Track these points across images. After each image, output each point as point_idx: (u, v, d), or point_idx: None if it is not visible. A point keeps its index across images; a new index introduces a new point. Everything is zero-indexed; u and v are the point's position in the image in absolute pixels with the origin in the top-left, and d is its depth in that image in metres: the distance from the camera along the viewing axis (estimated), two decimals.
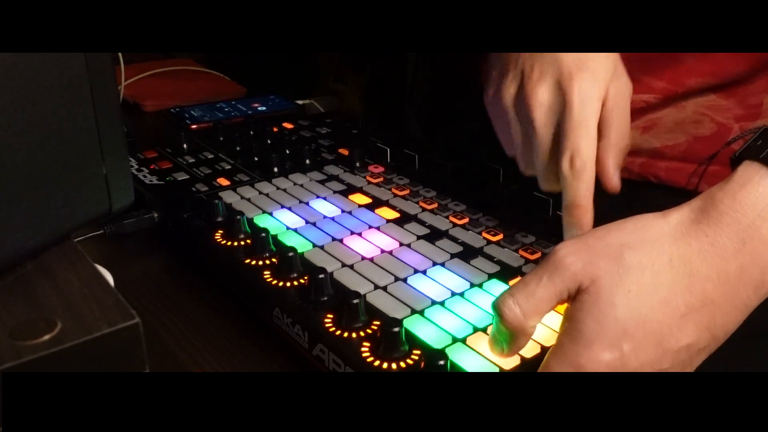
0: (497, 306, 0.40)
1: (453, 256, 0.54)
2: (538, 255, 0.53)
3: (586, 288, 0.38)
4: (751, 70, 0.62)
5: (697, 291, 0.37)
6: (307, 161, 0.70)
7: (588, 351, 0.37)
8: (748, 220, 0.37)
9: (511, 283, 0.49)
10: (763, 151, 0.38)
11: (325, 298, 0.47)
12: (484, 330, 0.45)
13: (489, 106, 0.55)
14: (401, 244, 0.55)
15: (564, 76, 0.48)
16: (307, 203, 0.62)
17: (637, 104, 0.65)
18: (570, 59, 0.48)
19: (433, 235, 0.57)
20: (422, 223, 0.59)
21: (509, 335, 0.40)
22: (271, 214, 0.60)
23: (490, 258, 0.53)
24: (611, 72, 0.49)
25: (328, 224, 0.58)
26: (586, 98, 0.48)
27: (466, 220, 0.59)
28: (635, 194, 0.70)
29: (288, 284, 0.49)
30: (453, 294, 0.49)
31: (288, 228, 0.58)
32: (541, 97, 0.48)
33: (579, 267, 0.38)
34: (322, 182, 0.66)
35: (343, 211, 0.61)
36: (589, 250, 0.38)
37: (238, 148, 0.74)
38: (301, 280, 0.49)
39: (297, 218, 0.59)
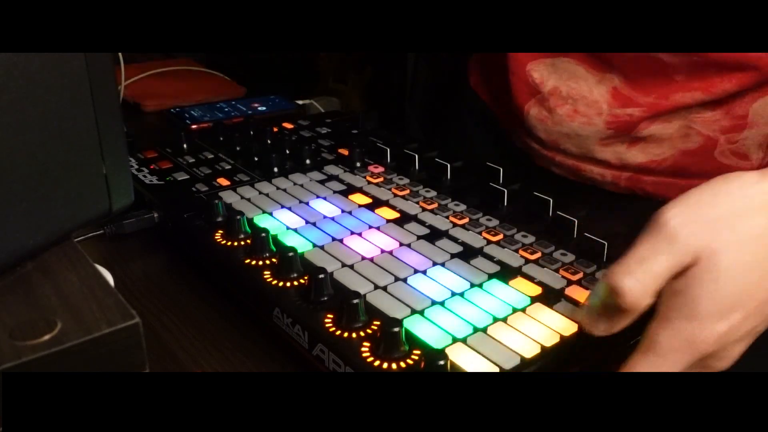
0: (616, 284, 0.37)
1: (453, 256, 0.54)
2: (538, 255, 0.53)
3: (699, 261, 0.36)
4: (741, 87, 0.61)
5: None
6: (307, 161, 0.70)
7: (703, 328, 0.36)
8: None
9: (512, 283, 0.50)
10: None
11: (325, 298, 0.47)
12: (484, 330, 0.45)
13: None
14: (401, 244, 0.55)
15: None
16: (307, 203, 0.62)
17: (621, 118, 0.64)
18: None
19: (433, 235, 0.57)
20: (422, 223, 0.59)
21: (621, 313, 0.38)
22: (271, 214, 0.60)
23: (490, 258, 0.53)
24: None
25: (328, 224, 0.58)
26: None
27: (466, 220, 0.59)
28: (625, 206, 0.70)
29: (288, 284, 0.49)
30: (453, 294, 0.49)
31: (288, 228, 0.58)
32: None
33: (695, 240, 0.36)
34: (322, 182, 0.66)
35: (343, 211, 0.61)
36: (702, 221, 0.37)
37: (238, 148, 0.74)
38: (301, 280, 0.49)
39: (297, 218, 0.59)
